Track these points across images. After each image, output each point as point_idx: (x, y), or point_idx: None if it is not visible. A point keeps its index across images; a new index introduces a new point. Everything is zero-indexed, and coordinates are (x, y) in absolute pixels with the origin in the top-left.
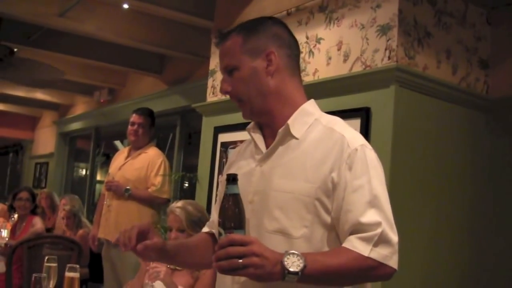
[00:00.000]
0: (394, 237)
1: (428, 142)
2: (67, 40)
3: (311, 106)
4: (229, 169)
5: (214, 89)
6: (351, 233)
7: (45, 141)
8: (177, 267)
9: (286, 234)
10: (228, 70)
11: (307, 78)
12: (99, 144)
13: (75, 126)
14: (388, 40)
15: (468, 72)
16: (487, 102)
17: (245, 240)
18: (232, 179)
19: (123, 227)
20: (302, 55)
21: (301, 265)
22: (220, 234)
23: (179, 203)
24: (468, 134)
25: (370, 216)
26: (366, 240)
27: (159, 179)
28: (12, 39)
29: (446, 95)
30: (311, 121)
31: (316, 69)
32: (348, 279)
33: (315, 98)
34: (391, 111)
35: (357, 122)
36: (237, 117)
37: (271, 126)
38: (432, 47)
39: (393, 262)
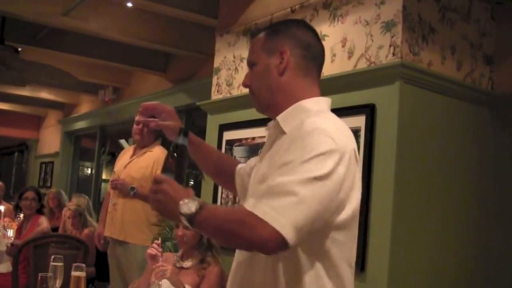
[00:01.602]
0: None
1: (433, 138)
2: (71, 39)
3: (310, 103)
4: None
5: (219, 87)
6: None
7: (50, 140)
8: (183, 266)
9: None
10: (250, 65)
11: None
12: (104, 143)
13: (80, 125)
14: (392, 37)
15: (473, 68)
16: (492, 98)
17: (160, 179)
18: (183, 132)
19: (128, 226)
20: None
21: (193, 208)
22: None
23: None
24: (473, 129)
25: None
26: (257, 197)
27: None
28: (16, 39)
29: (451, 91)
30: (304, 117)
31: None
32: (233, 233)
33: (320, 95)
34: (396, 108)
35: (362, 118)
36: (242, 115)
37: None
38: (436, 43)
39: (278, 224)
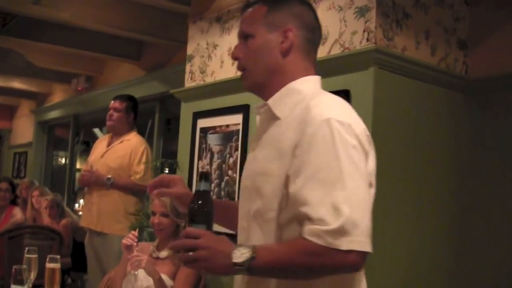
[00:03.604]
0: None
1: (408, 123)
2: (43, 28)
3: (301, 84)
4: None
5: (192, 74)
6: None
7: (23, 130)
8: (159, 256)
9: (261, 217)
10: (244, 36)
11: None
12: (78, 132)
13: (54, 114)
14: (366, 22)
15: (447, 53)
16: (467, 83)
17: (196, 233)
18: (204, 177)
19: (105, 216)
20: None
21: (248, 255)
22: (184, 227)
23: None
24: (448, 114)
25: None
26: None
27: (142, 167)
28: None
29: (426, 76)
30: (296, 100)
31: None
32: (301, 268)
33: None
34: (371, 93)
35: None
36: (216, 102)
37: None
38: (410, 28)
39: (346, 244)
